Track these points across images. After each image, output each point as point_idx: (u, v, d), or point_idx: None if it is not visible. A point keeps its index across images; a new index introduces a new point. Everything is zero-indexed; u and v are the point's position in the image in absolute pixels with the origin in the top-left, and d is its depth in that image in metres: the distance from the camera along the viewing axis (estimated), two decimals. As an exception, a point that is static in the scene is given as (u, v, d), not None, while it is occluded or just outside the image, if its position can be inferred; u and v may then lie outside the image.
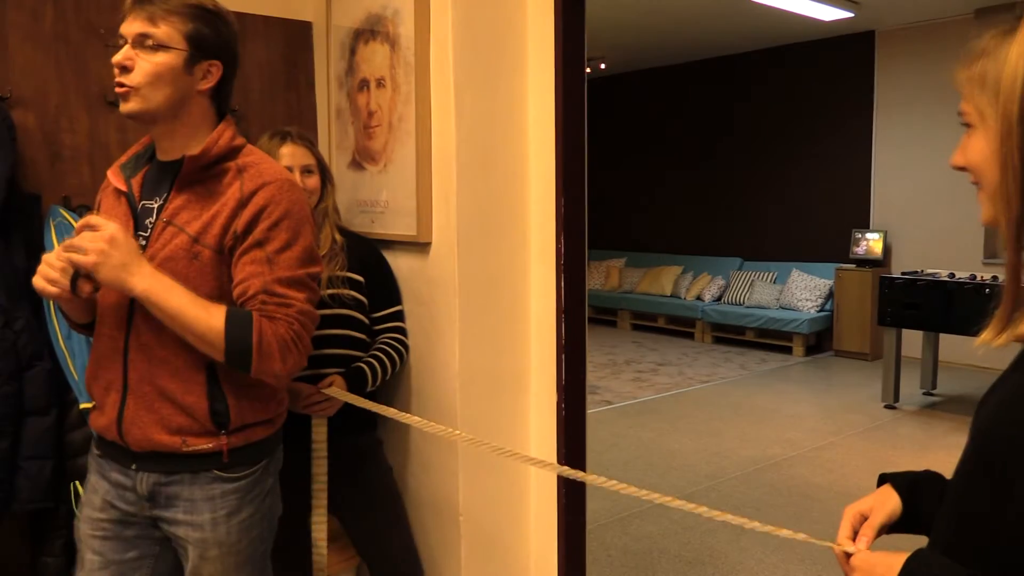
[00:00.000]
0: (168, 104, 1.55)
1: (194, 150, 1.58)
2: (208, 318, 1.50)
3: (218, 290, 1.56)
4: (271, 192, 1.58)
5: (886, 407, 5.91)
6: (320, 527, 2.24)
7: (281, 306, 1.55)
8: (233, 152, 1.61)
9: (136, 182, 1.63)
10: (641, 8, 6.86)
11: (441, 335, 2.29)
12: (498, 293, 2.32)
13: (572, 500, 2.35)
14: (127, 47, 1.52)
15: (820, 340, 8.09)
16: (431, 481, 2.40)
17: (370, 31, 2.44)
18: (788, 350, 8.01)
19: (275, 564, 2.26)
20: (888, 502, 1.16)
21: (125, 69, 1.52)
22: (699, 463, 4.79)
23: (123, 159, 1.68)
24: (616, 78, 9.98)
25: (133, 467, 1.62)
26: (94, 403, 1.67)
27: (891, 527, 1.15)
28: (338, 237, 2.25)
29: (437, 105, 2.23)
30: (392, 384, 2.41)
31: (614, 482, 1.37)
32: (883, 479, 1.22)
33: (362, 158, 2.54)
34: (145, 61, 1.51)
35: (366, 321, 2.29)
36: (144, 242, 1.57)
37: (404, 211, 2.35)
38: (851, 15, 7.05)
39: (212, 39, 1.56)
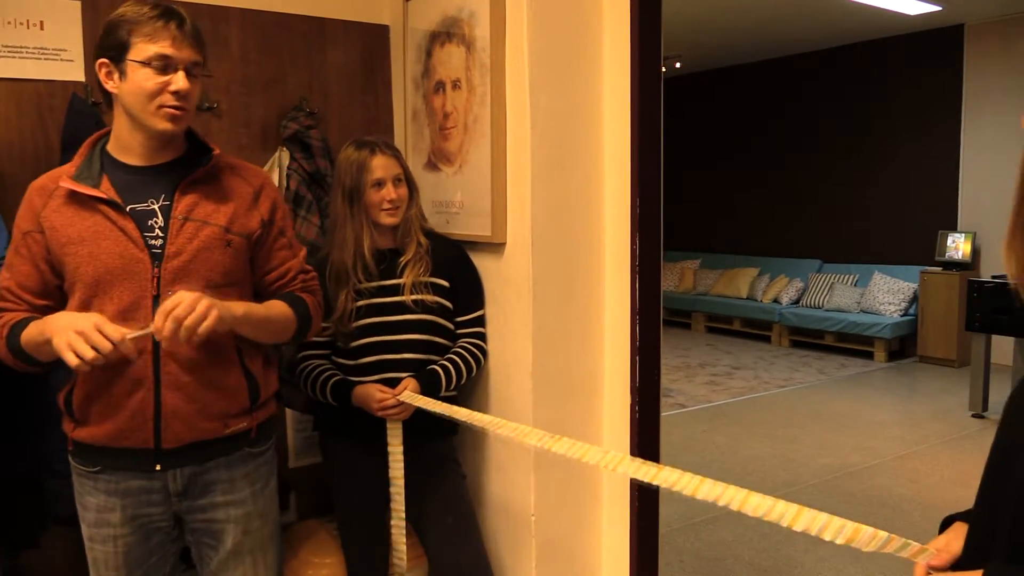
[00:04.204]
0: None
1: (174, 153, 1.70)
2: (283, 311, 1.76)
3: (241, 272, 1.73)
4: (272, 186, 1.84)
5: (974, 416, 5.68)
6: (399, 530, 2.26)
7: (312, 279, 1.88)
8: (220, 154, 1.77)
9: (107, 189, 1.62)
10: (718, 6, 6.75)
11: (515, 336, 2.29)
12: (572, 294, 2.31)
13: (645, 504, 2.33)
14: (183, 74, 1.59)
15: (903, 345, 7.83)
16: (504, 482, 2.40)
17: (446, 33, 2.46)
18: (869, 355, 7.77)
19: (351, 559, 2.31)
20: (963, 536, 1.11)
21: (183, 95, 1.60)
22: (775, 469, 4.68)
23: (72, 170, 1.65)
24: (692, 77, 9.85)
25: (157, 468, 1.66)
26: (78, 421, 1.67)
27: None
28: (423, 240, 2.26)
29: (512, 106, 2.24)
30: (469, 384, 2.42)
31: (689, 475, 1.31)
32: (948, 521, 1.16)
33: (437, 159, 2.56)
34: (193, 87, 1.63)
35: (451, 327, 2.30)
36: (160, 241, 1.62)
37: (479, 212, 2.36)
38: (939, 8, 6.81)
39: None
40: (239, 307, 1.64)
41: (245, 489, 1.76)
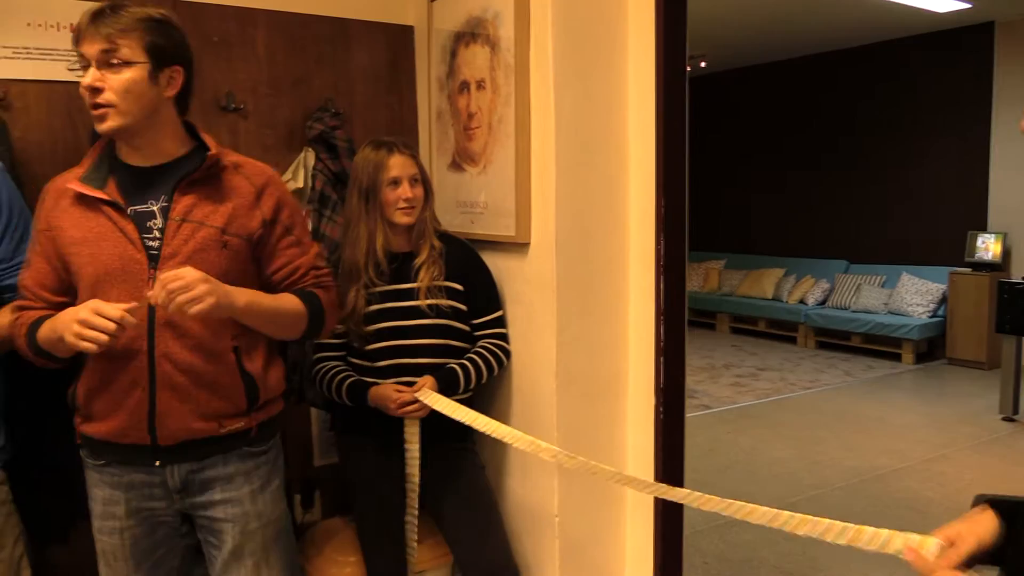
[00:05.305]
0: (143, 115, 1.61)
1: (178, 152, 1.68)
2: (294, 305, 1.74)
3: (243, 274, 1.70)
4: (278, 184, 1.80)
5: (1004, 419, 5.59)
6: (412, 526, 2.27)
7: (325, 276, 1.85)
8: (221, 153, 1.72)
9: (112, 190, 1.64)
10: (743, 4, 6.70)
11: (539, 336, 2.29)
12: (596, 294, 2.30)
13: (669, 505, 2.32)
14: (93, 69, 1.56)
15: (932, 347, 7.73)
16: (527, 483, 2.40)
17: (470, 34, 2.47)
18: (897, 357, 7.68)
19: (371, 557, 2.32)
20: (980, 525, 1.07)
21: (96, 91, 1.57)
22: (800, 472, 4.64)
23: (81, 171, 1.67)
24: (717, 76, 9.78)
25: (157, 464, 1.68)
26: (91, 414, 1.69)
27: (984, 558, 1.06)
28: (436, 243, 2.27)
29: (536, 106, 2.23)
30: (492, 385, 2.42)
31: (706, 497, 1.35)
32: (979, 500, 1.13)
33: (462, 159, 2.56)
34: (114, 79, 1.57)
35: (466, 329, 2.31)
36: (157, 243, 1.62)
37: (503, 212, 2.36)
38: (968, 6, 6.71)
39: (169, 47, 1.63)
40: (242, 297, 1.62)
41: (243, 487, 1.74)
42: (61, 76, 2.27)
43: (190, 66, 1.70)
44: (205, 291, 1.50)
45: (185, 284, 1.49)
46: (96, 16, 1.57)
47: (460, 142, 2.57)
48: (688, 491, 1.37)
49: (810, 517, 1.21)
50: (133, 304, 1.52)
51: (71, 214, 1.65)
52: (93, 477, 1.74)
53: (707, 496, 1.32)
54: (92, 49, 1.56)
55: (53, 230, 1.66)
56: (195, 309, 1.50)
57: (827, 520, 1.18)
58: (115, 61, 1.56)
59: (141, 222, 1.63)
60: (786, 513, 1.22)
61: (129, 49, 1.57)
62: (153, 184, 1.66)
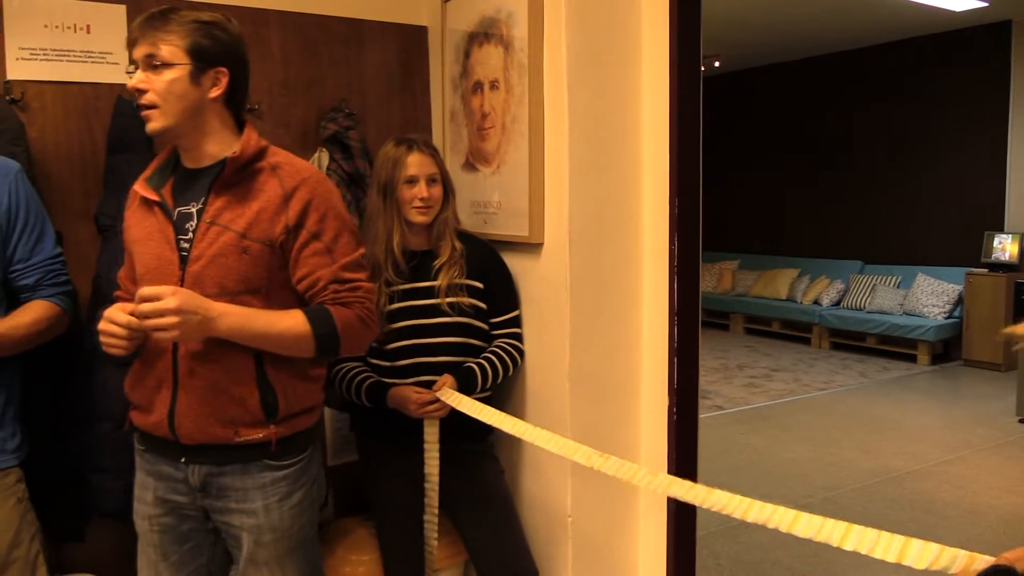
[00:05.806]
0: (185, 116, 1.63)
1: (221, 155, 1.67)
2: (293, 326, 1.63)
3: (267, 280, 1.66)
4: (312, 186, 1.69)
5: (1020, 421, 5.55)
6: (431, 526, 2.27)
7: (352, 290, 1.70)
8: (261, 153, 1.70)
9: (166, 191, 1.70)
10: (757, 4, 6.68)
11: (552, 336, 2.28)
12: (610, 294, 2.30)
13: (682, 506, 2.31)
14: (139, 71, 1.60)
15: (948, 348, 7.67)
16: (541, 482, 2.40)
17: (484, 34, 2.47)
18: (912, 358, 7.63)
19: (389, 557, 2.33)
20: None
21: (141, 92, 1.60)
22: (815, 473, 4.62)
23: (147, 173, 1.74)
24: (731, 76, 9.75)
25: (183, 460, 1.70)
26: (136, 404, 1.75)
27: None
28: (458, 244, 2.26)
29: (550, 106, 2.23)
30: (506, 385, 2.42)
31: (718, 492, 1.32)
32: None
33: (475, 160, 2.56)
34: (156, 81, 1.59)
35: (485, 328, 2.31)
36: (188, 244, 1.64)
37: (516, 212, 2.36)
38: (985, 5, 6.66)
39: (212, 49, 1.63)
40: (225, 323, 1.57)
41: (257, 501, 1.71)
42: (77, 77, 2.28)
43: (239, 68, 1.69)
44: (169, 323, 1.48)
45: (154, 310, 1.48)
46: (144, 21, 1.61)
47: (473, 142, 2.57)
48: (727, 494, 1.33)
49: (856, 527, 1.16)
50: (133, 307, 1.55)
51: (136, 214, 1.73)
52: (137, 461, 1.80)
53: (747, 500, 1.27)
54: (138, 52, 1.60)
55: (126, 229, 1.76)
56: (156, 335, 1.52)
57: (874, 531, 1.13)
58: (157, 63, 1.59)
59: (181, 223, 1.66)
60: (831, 522, 1.18)
61: (170, 51, 1.59)
62: (197, 186, 1.69)
